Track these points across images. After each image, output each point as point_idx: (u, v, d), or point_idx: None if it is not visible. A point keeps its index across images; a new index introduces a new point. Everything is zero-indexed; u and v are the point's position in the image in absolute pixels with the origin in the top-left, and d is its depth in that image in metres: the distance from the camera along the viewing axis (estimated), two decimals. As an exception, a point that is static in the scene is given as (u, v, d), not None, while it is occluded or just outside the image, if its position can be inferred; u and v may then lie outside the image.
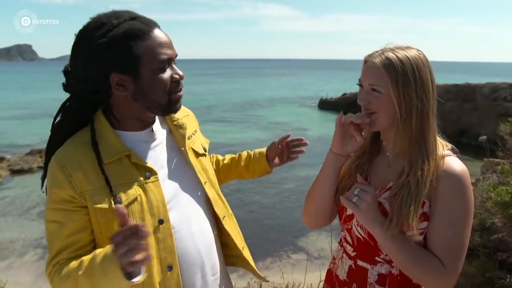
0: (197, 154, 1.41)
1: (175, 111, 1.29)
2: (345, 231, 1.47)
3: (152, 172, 1.26)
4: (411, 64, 1.25)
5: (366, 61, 1.33)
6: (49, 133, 1.29)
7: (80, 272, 1.09)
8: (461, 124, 19.65)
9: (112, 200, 1.17)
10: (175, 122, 1.38)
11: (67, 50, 1.25)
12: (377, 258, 1.36)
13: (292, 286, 3.24)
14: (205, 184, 1.39)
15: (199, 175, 1.37)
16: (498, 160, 5.55)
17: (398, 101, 1.25)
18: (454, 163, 1.28)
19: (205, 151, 1.47)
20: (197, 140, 1.45)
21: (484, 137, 3.88)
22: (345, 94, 34.46)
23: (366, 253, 1.38)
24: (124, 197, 1.19)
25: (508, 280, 2.63)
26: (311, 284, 3.30)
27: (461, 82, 23.32)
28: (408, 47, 1.30)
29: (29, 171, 17.23)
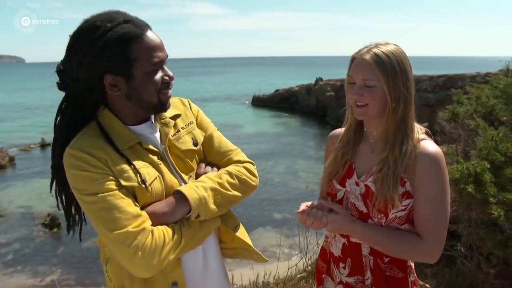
0: (180, 151, 1.42)
1: (165, 110, 1.35)
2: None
3: (162, 157, 1.34)
4: (395, 58, 1.38)
5: (354, 58, 1.44)
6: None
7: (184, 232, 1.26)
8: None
9: (139, 179, 1.24)
10: (162, 120, 1.40)
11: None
12: None
13: (264, 276, 3.32)
14: (189, 178, 1.41)
15: (180, 172, 1.39)
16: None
17: (389, 92, 1.38)
18: (430, 145, 1.43)
19: (196, 145, 1.46)
20: (186, 135, 1.46)
21: (425, 124, 4.22)
22: (277, 90, 35.17)
23: None
24: (147, 177, 1.27)
25: (457, 249, 2.91)
26: (278, 273, 3.41)
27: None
28: (387, 43, 1.43)
29: None
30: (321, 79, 29.18)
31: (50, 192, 1.32)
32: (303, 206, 1.50)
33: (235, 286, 3.36)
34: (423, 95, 18.94)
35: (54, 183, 1.32)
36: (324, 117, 25.65)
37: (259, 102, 35.76)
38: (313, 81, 30.19)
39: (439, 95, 18.25)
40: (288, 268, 3.37)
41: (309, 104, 29.43)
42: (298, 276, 3.24)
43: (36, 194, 13.12)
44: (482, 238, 2.57)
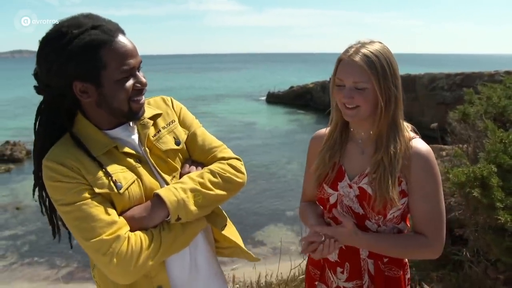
0: (161, 151, 1.38)
1: (137, 118, 1.31)
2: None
3: (142, 159, 1.31)
4: (384, 57, 1.35)
5: (341, 59, 1.40)
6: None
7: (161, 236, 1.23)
8: (404, 113, 20.44)
9: (113, 185, 1.22)
10: (141, 122, 1.37)
11: None
12: None
13: (265, 276, 3.31)
14: (172, 179, 1.37)
15: (161, 173, 1.36)
16: (441, 146, 5.97)
17: (380, 93, 1.35)
18: (422, 144, 1.44)
19: (178, 144, 1.42)
20: (167, 134, 1.42)
21: (435, 124, 4.16)
22: (292, 87, 35.07)
23: None
24: (123, 182, 1.24)
25: (463, 254, 2.84)
26: (281, 273, 3.39)
27: (402, 73, 24.37)
28: (372, 41, 1.39)
29: None
30: (336, 76, 28.95)
31: (33, 197, 1.32)
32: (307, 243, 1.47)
33: (237, 286, 3.36)
34: (439, 93, 18.64)
35: (37, 189, 1.32)
36: (339, 115, 25.45)
37: (273, 99, 35.73)
38: (327, 78, 30.00)
39: (456, 93, 17.92)
40: (291, 269, 3.35)
41: (323, 101, 29.25)
42: (301, 277, 3.23)
43: (51, 188, 13.28)
44: (489, 244, 2.50)
